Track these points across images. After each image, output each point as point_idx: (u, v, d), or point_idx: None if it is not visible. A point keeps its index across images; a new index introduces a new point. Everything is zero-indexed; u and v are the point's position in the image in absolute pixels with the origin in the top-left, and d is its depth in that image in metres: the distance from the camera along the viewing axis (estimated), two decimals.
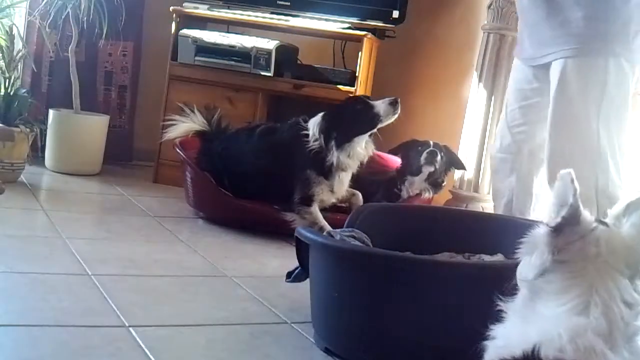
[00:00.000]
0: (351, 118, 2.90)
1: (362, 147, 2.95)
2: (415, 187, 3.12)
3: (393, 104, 2.87)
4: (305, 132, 2.92)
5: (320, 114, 2.95)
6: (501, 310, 1.11)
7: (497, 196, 2.55)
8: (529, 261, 1.07)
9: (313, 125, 2.93)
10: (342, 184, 2.98)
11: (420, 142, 3.15)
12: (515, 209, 2.44)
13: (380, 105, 2.89)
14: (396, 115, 2.89)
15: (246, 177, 3.03)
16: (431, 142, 3.13)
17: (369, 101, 2.95)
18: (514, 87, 2.47)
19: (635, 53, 2.16)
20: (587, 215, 1.05)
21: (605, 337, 0.95)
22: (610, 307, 0.98)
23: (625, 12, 2.12)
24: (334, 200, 3.02)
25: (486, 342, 1.11)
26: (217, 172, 3.08)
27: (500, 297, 1.12)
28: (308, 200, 2.91)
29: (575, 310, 0.98)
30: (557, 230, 1.03)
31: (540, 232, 1.07)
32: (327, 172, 2.91)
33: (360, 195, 3.08)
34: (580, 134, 2.18)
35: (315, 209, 2.91)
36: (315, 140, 2.90)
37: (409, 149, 3.16)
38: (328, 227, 2.76)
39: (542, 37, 2.26)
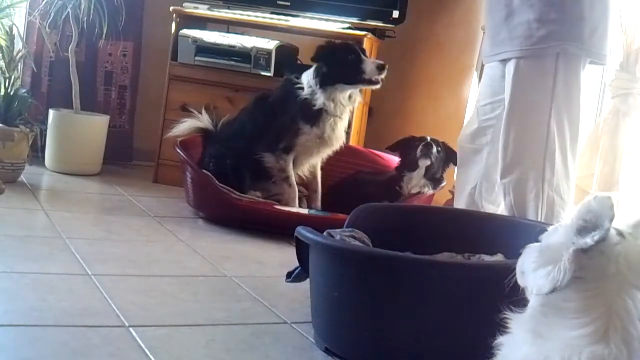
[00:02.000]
0: (339, 62, 2.99)
1: (346, 98, 3.05)
2: (413, 183, 3.11)
3: (380, 68, 2.96)
4: (299, 85, 3.04)
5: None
6: (505, 318, 1.09)
7: (463, 185, 2.61)
8: (546, 274, 1.03)
9: (307, 74, 3.05)
10: (334, 131, 3.05)
11: (418, 138, 3.15)
12: (478, 198, 2.54)
13: (369, 64, 2.98)
14: (380, 82, 2.98)
15: (245, 144, 3.10)
16: (428, 138, 3.12)
17: (362, 55, 3.03)
18: (487, 84, 2.57)
19: (592, 51, 2.26)
20: (613, 232, 1.01)
21: None
22: (629, 330, 0.96)
23: (576, 13, 2.22)
24: (328, 152, 3.12)
25: (494, 351, 1.09)
26: (226, 165, 3.11)
27: (506, 305, 1.09)
28: (288, 149, 3.05)
29: (595, 336, 0.96)
30: (585, 252, 1.00)
31: (561, 245, 1.02)
32: (315, 117, 3.00)
33: (319, 179, 3.20)
34: (532, 128, 2.29)
35: (290, 158, 3.06)
36: (309, 87, 3.01)
37: (407, 145, 3.17)
38: (293, 179, 3.03)
39: (500, 37, 2.37)
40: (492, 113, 2.52)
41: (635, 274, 0.99)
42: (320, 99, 2.99)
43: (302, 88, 3.04)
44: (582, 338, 0.96)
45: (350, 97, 3.06)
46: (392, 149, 3.27)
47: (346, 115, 3.08)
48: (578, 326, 0.97)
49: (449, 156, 3.16)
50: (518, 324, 1.07)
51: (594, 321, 0.96)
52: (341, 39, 3.80)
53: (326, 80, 2.99)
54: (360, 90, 3.14)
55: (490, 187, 2.52)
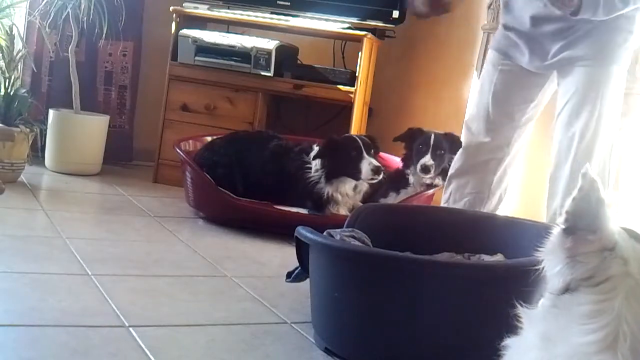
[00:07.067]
0: (341, 158, 2.97)
1: (351, 190, 3.03)
2: (423, 180, 3.12)
3: (375, 171, 2.92)
4: (308, 165, 3.02)
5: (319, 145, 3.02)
6: (516, 316, 1.07)
7: (475, 171, 2.58)
8: (550, 268, 1.02)
9: (314, 155, 3.03)
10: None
11: (423, 132, 3.13)
12: (496, 205, 2.58)
13: (365, 165, 2.93)
14: (374, 181, 2.97)
15: (259, 184, 3.12)
16: (432, 135, 3.09)
17: (364, 153, 2.96)
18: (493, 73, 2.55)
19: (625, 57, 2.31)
20: (612, 227, 0.99)
21: None
22: (639, 338, 0.94)
23: (619, 27, 2.25)
24: None
25: (501, 353, 1.08)
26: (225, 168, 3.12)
27: (518, 302, 1.07)
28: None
29: (603, 344, 0.94)
30: (567, 231, 0.99)
31: (554, 234, 1.03)
32: (321, 205, 2.99)
33: None
34: (588, 130, 2.30)
35: None
36: (317, 171, 3.01)
37: (412, 139, 3.14)
38: None
39: (547, 50, 2.35)
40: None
41: None
42: (326, 190, 2.99)
43: (311, 168, 3.03)
44: (591, 345, 0.94)
45: (355, 187, 3.04)
46: (398, 140, 3.23)
47: (348, 204, 3.05)
48: (587, 332, 0.95)
49: (455, 146, 3.14)
50: (529, 323, 1.05)
51: (603, 328, 0.95)
52: (341, 39, 3.82)
53: (330, 175, 2.98)
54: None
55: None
